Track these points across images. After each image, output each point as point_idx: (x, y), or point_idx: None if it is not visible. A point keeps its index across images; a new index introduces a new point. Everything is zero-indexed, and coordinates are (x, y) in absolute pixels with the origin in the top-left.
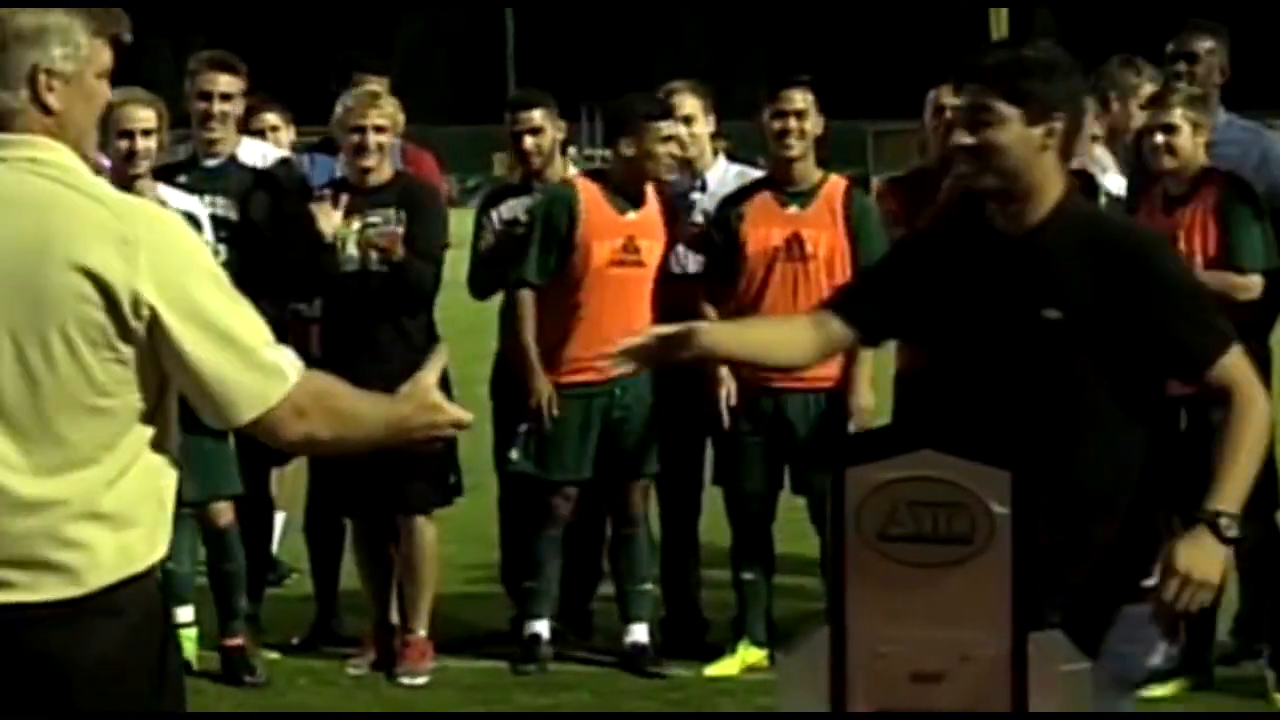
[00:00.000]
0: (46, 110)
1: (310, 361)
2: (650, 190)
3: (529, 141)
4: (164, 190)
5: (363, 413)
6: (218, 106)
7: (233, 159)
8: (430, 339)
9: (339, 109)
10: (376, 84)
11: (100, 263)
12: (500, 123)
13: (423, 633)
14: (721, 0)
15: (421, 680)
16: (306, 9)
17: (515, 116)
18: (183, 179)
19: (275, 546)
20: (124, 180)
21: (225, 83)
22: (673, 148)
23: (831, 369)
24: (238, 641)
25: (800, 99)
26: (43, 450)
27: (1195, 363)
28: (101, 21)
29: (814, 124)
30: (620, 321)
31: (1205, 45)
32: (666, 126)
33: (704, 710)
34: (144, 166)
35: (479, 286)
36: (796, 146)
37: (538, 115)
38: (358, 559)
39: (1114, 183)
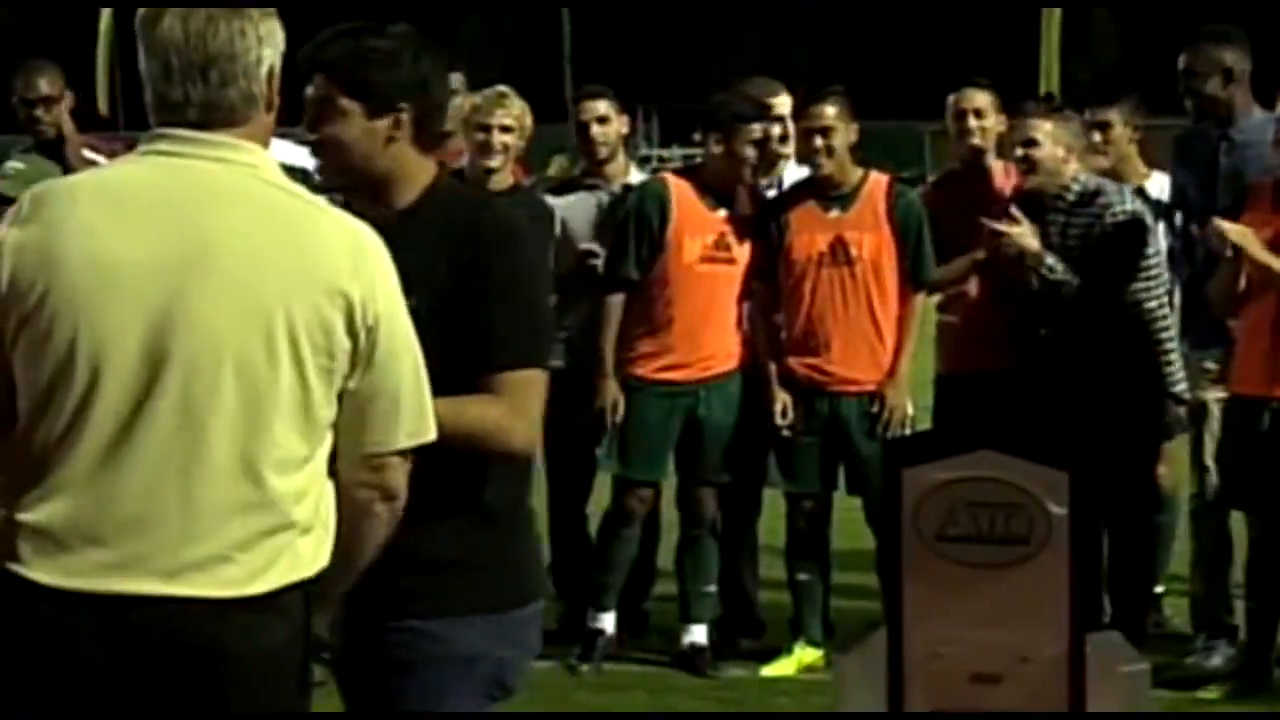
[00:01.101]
0: (269, 109)
1: None
2: (742, 189)
3: (596, 130)
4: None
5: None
6: None
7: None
8: None
9: (465, 105)
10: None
11: (346, 279)
12: (558, 122)
13: None
14: (778, 1)
15: None
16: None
17: (582, 106)
18: None
19: None
20: None
21: None
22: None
23: (887, 368)
24: None
25: (829, 114)
26: (255, 453)
27: (484, 359)
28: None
29: (845, 135)
30: (709, 319)
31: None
32: (758, 129)
33: (760, 710)
34: None
35: None
36: (827, 165)
37: (603, 105)
38: None
39: (1155, 185)
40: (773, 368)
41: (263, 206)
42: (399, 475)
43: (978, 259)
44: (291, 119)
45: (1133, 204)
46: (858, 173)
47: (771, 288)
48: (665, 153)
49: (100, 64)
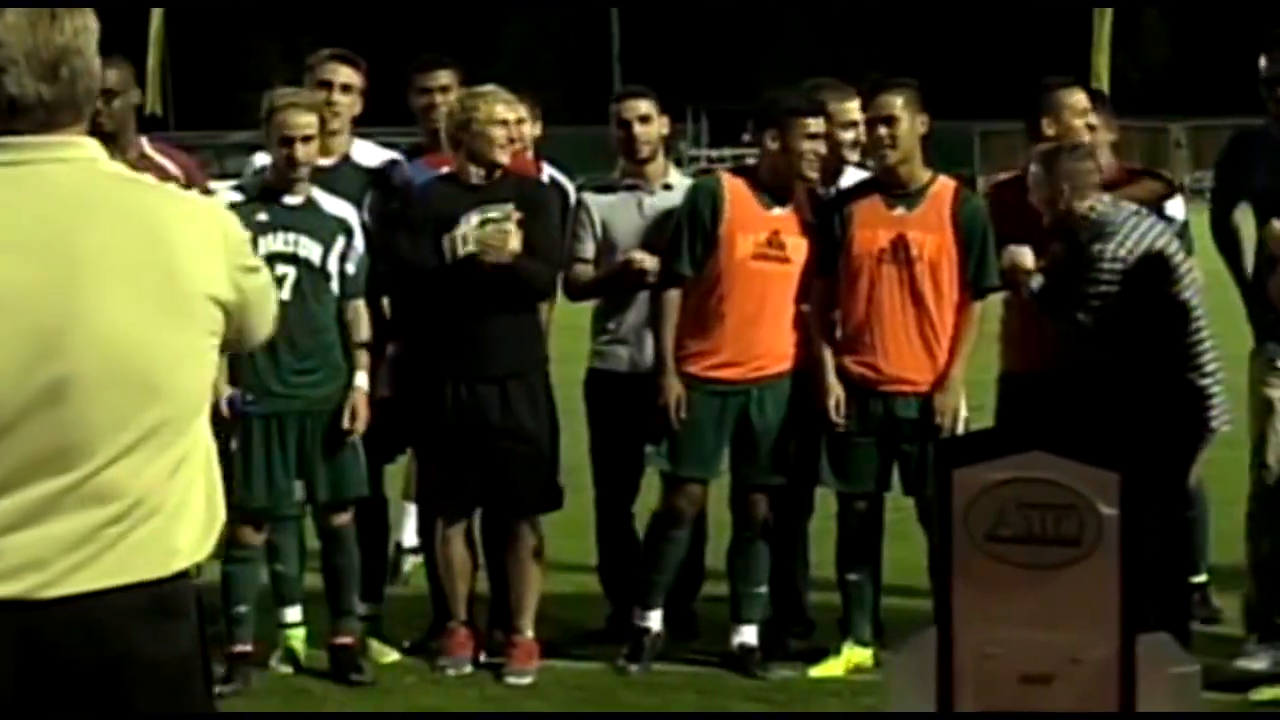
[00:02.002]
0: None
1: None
2: (799, 187)
3: (639, 130)
4: (319, 194)
5: None
6: (337, 96)
7: (346, 158)
8: (539, 334)
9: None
10: (446, 77)
11: (207, 251)
12: (608, 124)
13: (529, 633)
14: (829, 2)
15: (528, 680)
16: (412, 11)
17: (624, 105)
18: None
19: (407, 539)
20: (283, 184)
21: (346, 74)
22: (819, 146)
23: (941, 370)
24: (347, 640)
25: (895, 104)
26: (139, 434)
27: None
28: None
29: (911, 127)
30: (761, 318)
31: None
32: (813, 123)
33: (809, 711)
34: (304, 172)
35: (575, 289)
36: (891, 155)
37: (645, 105)
38: (442, 557)
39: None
40: (829, 362)
41: (113, 201)
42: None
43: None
44: (372, 120)
45: (1130, 243)
46: (926, 173)
47: (830, 283)
48: (714, 153)
49: (151, 64)
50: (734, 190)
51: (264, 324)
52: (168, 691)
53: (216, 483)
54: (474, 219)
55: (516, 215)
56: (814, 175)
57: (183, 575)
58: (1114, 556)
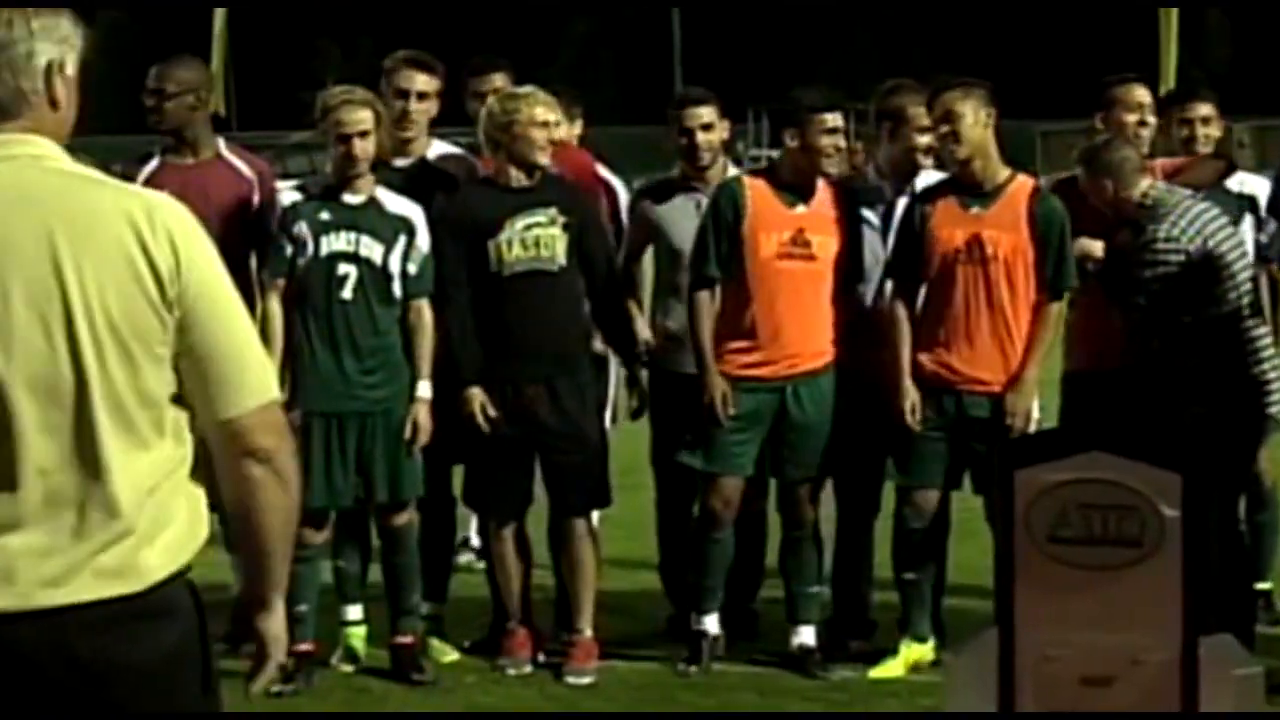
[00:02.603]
0: (54, 105)
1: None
2: (822, 184)
3: (701, 138)
4: (382, 193)
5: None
6: (414, 105)
7: (423, 160)
8: (585, 337)
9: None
10: (500, 79)
11: (142, 251)
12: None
13: (588, 632)
14: (890, 1)
15: (588, 680)
16: (474, 9)
17: (687, 112)
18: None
19: (475, 538)
20: (343, 181)
21: (422, 82)
22: (838, 140)
23: (1014, 370)
24: (408, 639)
25: (955, 99)
26: (90, 445)
27: None
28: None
29: (975, 122)
30: (791, 316)
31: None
32: (831, 119)
33: (868, 711)
34: (363, 168)
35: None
36: (958, 151)
37: (708, 112)
38: (496, 558)
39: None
40: (905, 364)
41: (48, 196)
42: (263, 435)
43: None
44: (447, 120)
45: (1184, 223)
46: (1004, 172)
47: (911, 284)
48: (774, 153)
49: (215, 64)
50: (755, 191)
51: (227, 330)
52: (151, 693)
53: (198, 494)
54: (519, 224)
55: (562, 220)
56: (834, 170)
57: (168, 580)
58: (1176, 558)
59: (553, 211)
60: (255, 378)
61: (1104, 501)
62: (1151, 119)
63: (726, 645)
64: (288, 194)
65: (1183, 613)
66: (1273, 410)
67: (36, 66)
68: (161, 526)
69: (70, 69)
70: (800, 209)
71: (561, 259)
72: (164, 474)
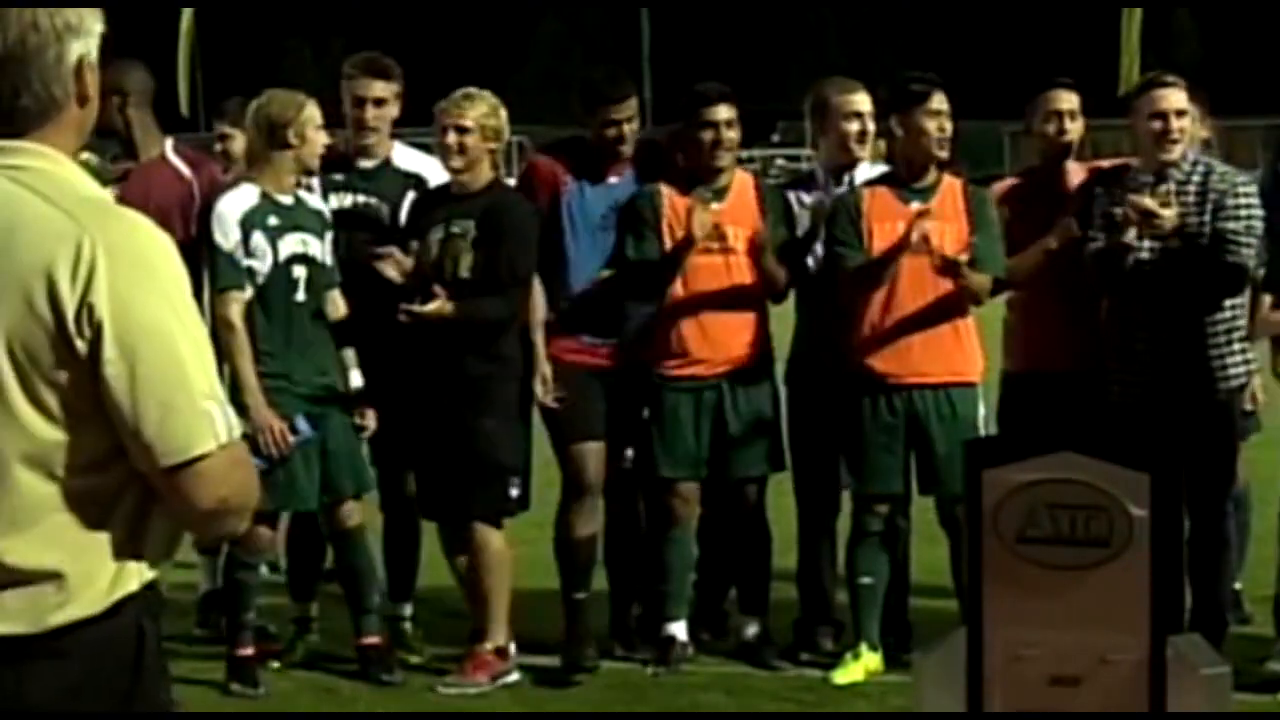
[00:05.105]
0: (84, 102)
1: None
2: (736, 178)
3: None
4: (301, 192)
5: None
6: (370, 112)
7: (388, 162)
8: (519, 347)
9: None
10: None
11: (53, 271)
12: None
13: (488, 645)
14: (859, 3)
15: (455, 691)
16: (445, 10)
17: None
18: (339, 177)
19: None
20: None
21: (379, 88)
22: (733, 134)
23: (961, 365)
24: (373, 640)
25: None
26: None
27: None
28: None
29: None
30: (721, 310)
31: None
32: (723, 110)
33: (839, 711)
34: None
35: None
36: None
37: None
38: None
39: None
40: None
41: None
42: (193, 486)
43: (1050, 248)
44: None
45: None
46: (935, 172)
47: (854, 276)
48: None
49: (181, 64)
50: (669, 192)
51: (148, 378)
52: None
53: (145, 530)
54: (437, 234)
55: (474, 234)
56: (724, 165)
57: (73, 627)
58: (1144, 557)
59: (469, 224)
60: (183, 429)
61: (1073, 501)
62: (1073, 124)
63: (697, 645)
64: (240, 200)
65: (1151, 612)
66: (1237, 383)
67: (68, 68)
68: (70, 577)
69: (93, 56)
70: (715, 205)
71: (464, 272)
72: (79, 510)
